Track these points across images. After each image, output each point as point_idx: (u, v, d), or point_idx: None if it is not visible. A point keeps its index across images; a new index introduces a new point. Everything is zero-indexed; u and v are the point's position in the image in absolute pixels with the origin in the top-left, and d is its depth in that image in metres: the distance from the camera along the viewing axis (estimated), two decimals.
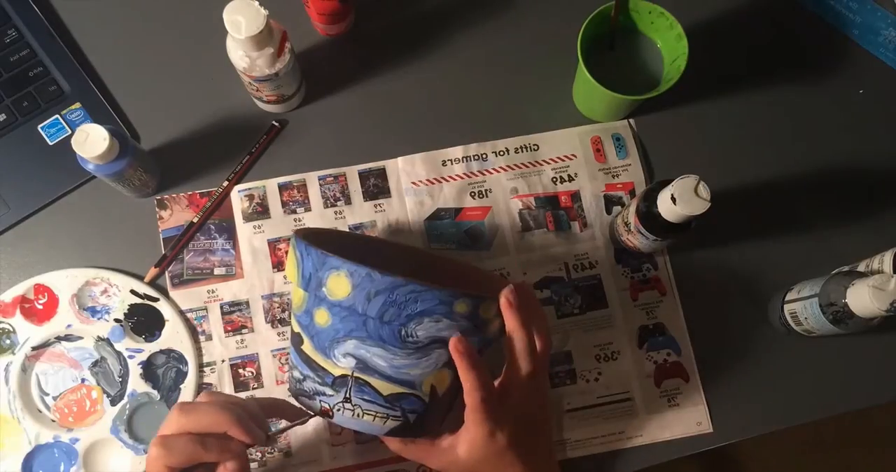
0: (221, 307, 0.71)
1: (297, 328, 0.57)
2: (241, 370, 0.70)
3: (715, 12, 0.77)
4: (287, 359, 0.70)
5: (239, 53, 0.64)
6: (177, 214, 0.72)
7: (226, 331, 0.71)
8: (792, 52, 0.77)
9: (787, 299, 0.68)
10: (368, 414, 0.55)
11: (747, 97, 0.76)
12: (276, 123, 0.74)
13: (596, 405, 0.70)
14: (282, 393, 0.69)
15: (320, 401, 0.55)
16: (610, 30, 0.70)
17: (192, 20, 0.76)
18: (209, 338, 0.70)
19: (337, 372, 0.54)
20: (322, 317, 0.54)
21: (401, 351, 0.54)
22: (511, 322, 0.56)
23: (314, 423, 0.69)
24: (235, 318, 0.71)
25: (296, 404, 0.59)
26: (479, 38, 0.77)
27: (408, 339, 0.53)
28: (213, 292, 0.71)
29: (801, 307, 0.65)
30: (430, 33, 0.77)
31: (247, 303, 0.71)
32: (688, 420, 0.70)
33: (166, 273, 0.71)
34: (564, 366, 0.70)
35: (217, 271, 0.72)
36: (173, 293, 0.71)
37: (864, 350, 0.71)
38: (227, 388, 0.70)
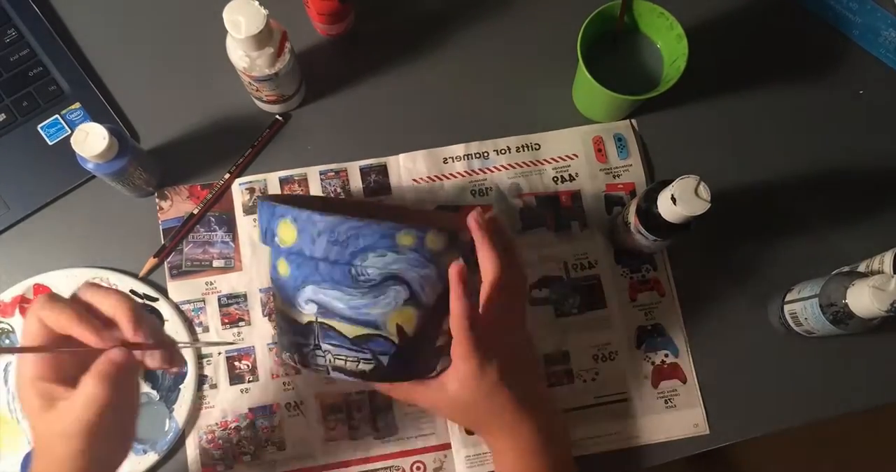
0: (219, 299, 0.71)
1: (273, 286, 0.58)
2: (236, 363, 0.70)
3: (715, 13, 0.77)
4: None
5: (239, 53, 0.64)
6: (177, 205, 0.72)
7: (223, 323, 0.71)
8: (792, 52, 0.77)
9: (787, 299, 0.68)
10: (339, 359, 0.55)
11: (748, 98, 0.76)
12: (280, 117, 0.74)
13: (593, 405, 0.70)
14: (277, 389, 0.70)
15: (296, 353, 0.56)
16: (615, 30, 0.70)
17: (192, 20, 0.76)
18: (206, 330, 0.71)
19: (304, 320, 0.55)
20: (283, 268, 0.55)
21: (356, 291, 0.54)
22: (479, 242, 0.54)
23: (311, 418, 0.69)
24: (233, 310, 0.71)
25: None
26: (481, 38, 0.77)
27: (359, 278, 0.53)
28: (211, 284, 0.71)
29: (802, 308, 0.65)
30: (432, 33, 0.77)
31: (244, 296, 0.71)
32: (685, 422, 0.69)
33: (165, 264, 0.71)
34: (562, 365, 0.70)
35: (216, 264, 0.72)
36: (171, 284, 0.71)
37: (864, 351, 0.71)
38: (223, 380, 0.70)
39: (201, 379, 0.70)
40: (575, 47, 0.67)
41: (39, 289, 0.70)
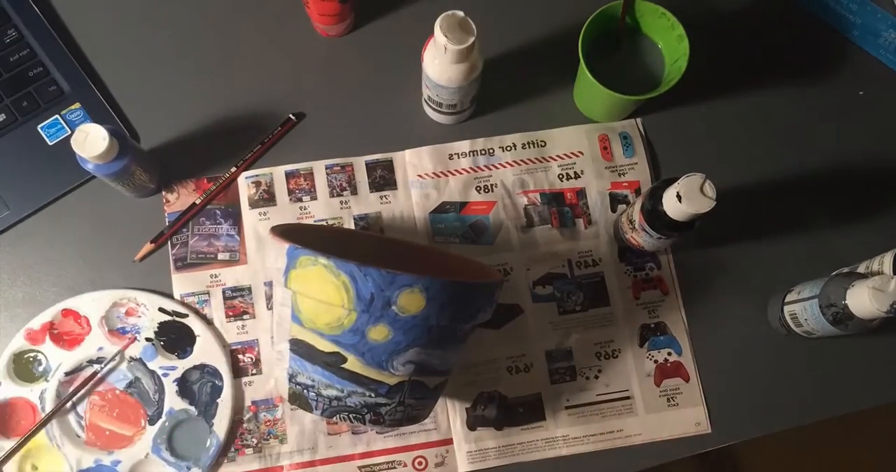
0: (223, 292, 0.71)
1: (331, 348, 0.54)
2: (240, 356, 0.70)
3: (716, 13, 0.77)
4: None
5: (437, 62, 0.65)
6: (183, 197, 0.73)
7: (227, 316, 0.71)
8: (792, 53, 0.77)
9: (787, 300, 0.68)
10: (417, 409, 0.57)
11: (749, 98, 0.76)
12: (293, 117, 0.74)
13: (595, 402, 0.70)
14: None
15: (368, 413, 0.55)
16: (616, 31, 0.70)
17: (193, 20, 0.75)
18: (210, 322, 0.71)
19: (393, 381, 0.55)
20: (380, 333, 0.53)
21: (453, 346, 0.56)
22: None
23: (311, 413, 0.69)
24: (237, 303, 0.71)
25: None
26: (486, 37, 0.77)
27: (460, 333, 0.55)
28: (215, 276, 0.71)
29: (802, 308, 0.65)
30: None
31: (249, 289, 0.71)
32: (687, 420, 0.70)
33: (170, 256, 0.71)
34: (565, 363, 0.71)
35: (221, 256, 0.72)
36: (175, 276, 0.71)
37: (863, 351, 0.71)
38: (226, 373, 0.69)
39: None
40: (576, 47, 0.67)
41: (67, 314, 0.69)
